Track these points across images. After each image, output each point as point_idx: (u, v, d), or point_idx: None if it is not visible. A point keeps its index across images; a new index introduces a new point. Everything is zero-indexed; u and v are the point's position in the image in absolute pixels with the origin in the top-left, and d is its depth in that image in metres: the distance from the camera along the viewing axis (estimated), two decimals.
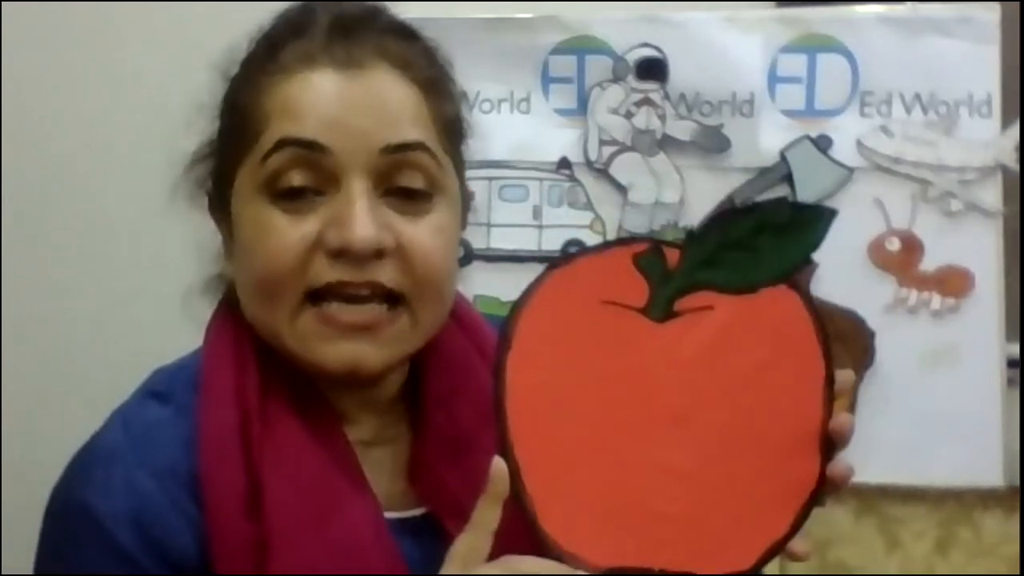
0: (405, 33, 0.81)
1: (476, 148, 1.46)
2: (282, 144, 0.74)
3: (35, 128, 1.50)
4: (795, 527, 0.71)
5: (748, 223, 0.71)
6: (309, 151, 0.74)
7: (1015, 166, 1.42)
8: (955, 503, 1.42)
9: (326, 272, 0.74)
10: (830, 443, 0.72)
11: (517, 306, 0.71)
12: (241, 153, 0.77)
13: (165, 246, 1.49)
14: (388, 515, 0.77)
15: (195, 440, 0.74)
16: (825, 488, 0.72)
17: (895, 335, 1.43)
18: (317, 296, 0.75)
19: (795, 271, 0.72)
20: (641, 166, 1.46)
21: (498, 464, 0.67)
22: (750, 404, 0.71)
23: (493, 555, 0.68)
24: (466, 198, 0.85)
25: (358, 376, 0.76)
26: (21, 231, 1.50)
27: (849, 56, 1.44)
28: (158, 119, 1.53)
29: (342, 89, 0.75)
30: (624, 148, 1.46)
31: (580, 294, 0.71)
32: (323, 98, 0.74)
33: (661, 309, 0.71)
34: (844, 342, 1.42)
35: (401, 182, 0.76)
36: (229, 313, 0.81)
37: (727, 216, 0.73)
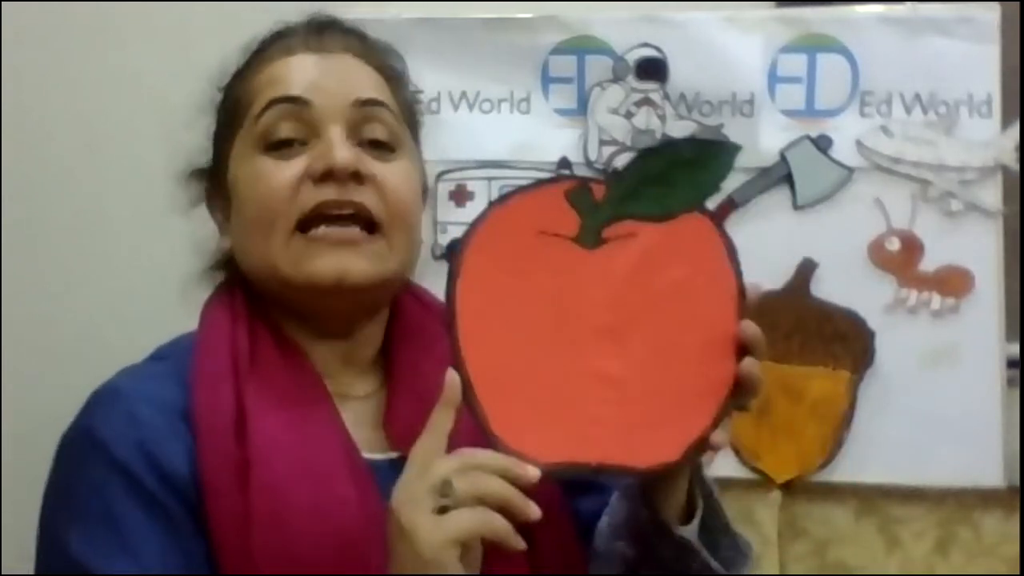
0: (363, 35, 0.96)
1: (476, 148, 1.46)
2: (272, 103, 0.88)
3: (35, 128, 1.50)
4: (716, 421, 0.79)
5: (662, 160, 0.82)
6: (294, 105, 0.88)
7: (1015, 166, 1.42)
8: (955, 503, 1.42)
9: (314, 195, 0.85)
10: (743, 348, 0.80)
11: (463, 238, 0.80)
12: (235, 127, 0.90)
13: (164, 245, 1.50)
14: (368, 456, 0.87)
15: (190, 379, 0.85)
16: (740, 387, 0.80)
17: (895, 335, 1.43)
18: (306, 225, 0.86)
19: (704, 200, 0.82)
20: None
21: (451, 375, 0.77)
22: (672, 316, 0.81)
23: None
24: (425, 184, 0.97)
25: (345, 284, 0.86)
26: (21, 231, 1.50)
27: (849, 56, 1.44)
28: (158, 119, 1.53)
29: (317, 63, 0.90)
30: (624, 148, 1.46)
31: (519, 227, 0.81)
32: (303, 68, 0.90)
33: (591, 237, 0.81)
34: (844, 342, 1.42)
35: (370, 134, 0.89)
36: (224, 288, 0.93)
37: (644, 154, 0.84)
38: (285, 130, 0.87)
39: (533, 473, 0.74)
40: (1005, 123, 1.43)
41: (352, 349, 0.92)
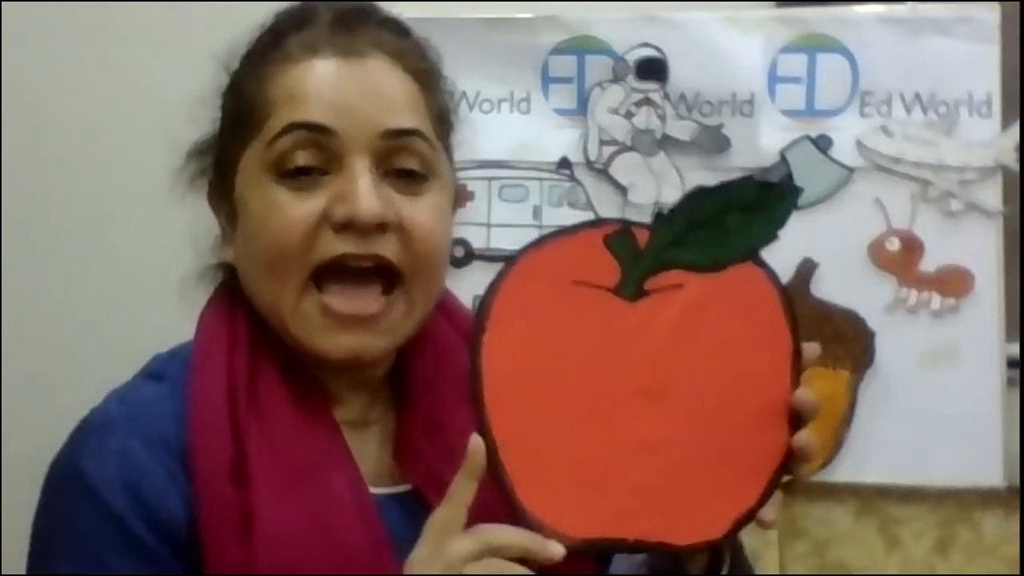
0: (399, 28, 0.86)
1: (476, 148, 1.46)
2: (290, 128, 0.78)
3: (35, 128, 1.50)
4: (764, 497, 0.73)
5: (715, 202, 0.74)
6: (315, 133, 0.78)
7: (1015, 166, 1.42)
8: (955, 503, 1.42)
9: (332, 246, 0.77)
10: (796, 415, 0.74)
11: (491, 288, 0.73)
12: (246, 138, 0.81)
13: (164, 244, 1.50)
14: (376, 490, 0.81)
15: (187, 413, 0.78)
16: (793, 459, 0.74)
17: (895, 335, 1.42)
18: (320, 276, 0.78)
19: (761, 248, 0.75)
20: (641, 166, 1.46)
21: (475, 441, 0.70)
22: (719, 379, 0.74)
23: (470, 528, 0.71)
24: (456, 188, 0.89)
25: (358, 365, 0.81)
26: (21, 230, 1.50)
27: (849, 56, 1.44)
28: (158, 119, 1.53)
29: (344, 76, 0.79)
30: (624, 148, 1.46)
31: (553, 275, 0.74)
32: (327, 84, 0.79)
33: (632, 288, 0.74)
34: (844, 342, 1.42)
35: (399, 164, 0.80)
36: (224, 297, 0.85)
37: (695, 196, 0.75)
38: (303, 158, 0.78)
39: (557, 552, 0.69)
40: (1005, 123, 1.42)
41: (363, 375, 0.85)
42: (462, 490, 0.70)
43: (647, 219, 1.45)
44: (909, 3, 1.44)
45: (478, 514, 0.71)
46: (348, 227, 0.77)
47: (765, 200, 0.75)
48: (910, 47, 1.43)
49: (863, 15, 1.44)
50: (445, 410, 0.83)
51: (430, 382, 0.86)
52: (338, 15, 0.82)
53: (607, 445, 0.73)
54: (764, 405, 0.74)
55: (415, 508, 0.79)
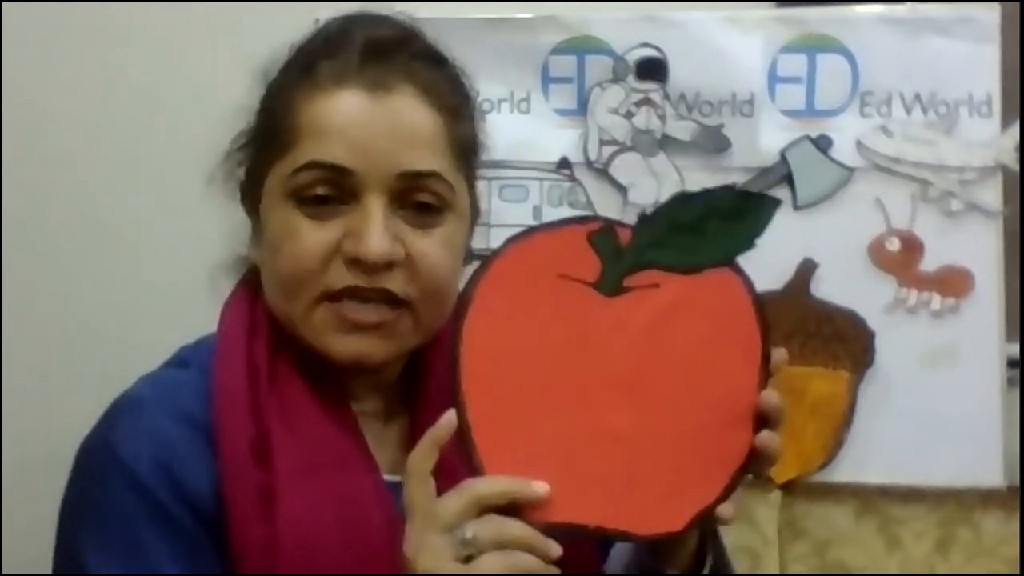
0: (434, 59, 0.89)
1: None
2: (312, 164, 0.83)
3: (35, 128, 1.50)
4: (725, 493, 0.76)
5: (697, 208, 0.77)
6: (335, 172, 0.82)
7: (1015, 166, 1.42)
8: (955, 503, 1.42)
9: (342, 278, 0.82)
10: (762, 417, 0.77)
11: (476, 275, 0.77)
12: (272, 159, 0.86)
13: (163, 244, 1.50)
14: (389, 478, 0.85)
15: (211, 395, 0.83)
16: (755, 459, 0.77)
17: (895, 335, 1.42)
18: (332, 296, 0.83)
19: (738, 255, 0.78)
20: (641, 166, 1.46)
21: (449, 415, 0.74)
22: (690, 377, 0.77)
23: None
24: (476, 211, 0.95)
25: (364, 367, 0.85)
26: (21, 231, 1.50)
27: (849, 56, 1.44)
28: (158, 119, 1.53)
29: (367, 112, 0.83)
30: (624, 148, 1.46)
31: (536, 267, 0.77)
32: (350, 121, 0.83)
33: (611, 285, 0.77)
34: (844, 342, 1.42)
35: (415, 199, 0.84)
36: (247, 288, 0.90)
37: (677, 200, 0.78)
38: (322, 191, 0.83)
39: (542, 489, 0.73)
40: (1005, 123, 1.42)
41: (378, 376, 0.90)
42: (421, 461, 0.74)
43: None
44: (909, 3, 1.44)
45: (445, 478, 0.74)
46: (357, 264, 0.82)
47: (745, 209, 0.77)
48: (910, 47, 1.43)
49: (863, 15, 1.44)
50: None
51: (442, 380, 0.87)
52: (371, 43, 0.85)
53: (577, 433, 0.75)
54: (731, 405, 0.77)
55: None
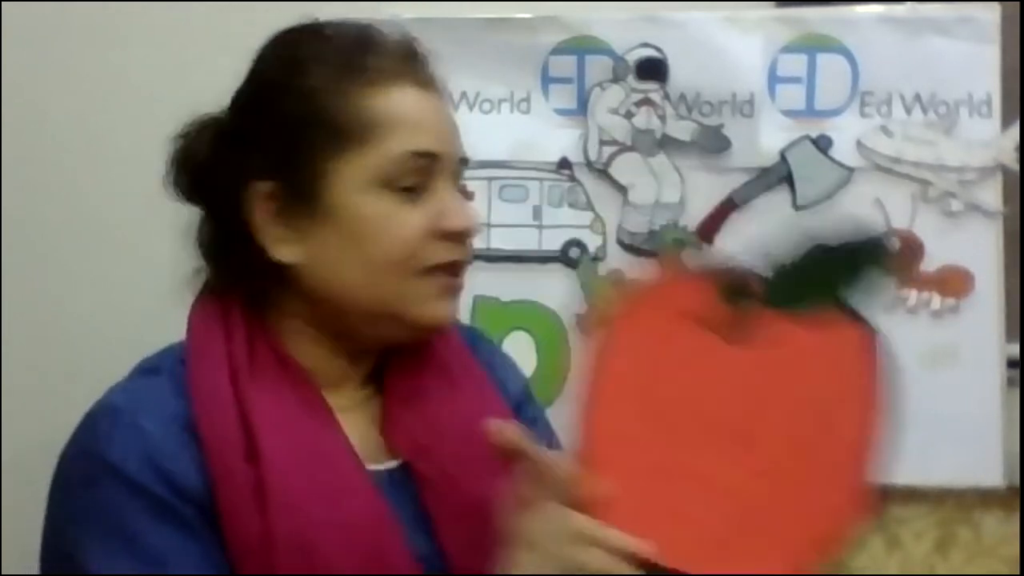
0: (429, 57, 0.94)
1: (476, 148, 1.46)
2: (409, 154, 0.87)
3: (35, 128, 1.50)
4: (825, 554, 0.75)
5: (823, 258, 0.78)
6: (427, 159, 0.88)
7: (1015, 166, 1.42)
8: (955, 503, 1.42)
9: (446, 252, 0.89)
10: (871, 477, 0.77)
11: (611, 318, 0.80)
12: (340, 150, 0.87)
13: (163, 244, 1.49)
14: (371, 467, 0.88)
15: (189, 393, 0.84)
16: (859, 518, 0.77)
17: (895, 335, 1.42)
18: (431, 270, 0.89)
19: (861, 304, 0.78)
20: (641, 166, 1.46)
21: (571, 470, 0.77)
22: (806, 433, 0.76)
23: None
24: None
25: (444, 327, 0.93)
26: (20, 230, 1.50)
27: (849, 56, 1.44)
28: (158, 119, 1.53)
29: (432, 105, 0.91)
30: (624, 148, 1.46)
31: (667, 312, 0.78)
32: (428, 112, 0.90)
33: (737, 332, 0.77)
34: None
35: (458, 186, 0.93)
36: (212, 296, 0.92)
37: (808, 252, 0.79)
38: (412, 179, 0.88)
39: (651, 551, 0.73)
40: (1005, 123, 1.42)
41: (357, 365, 0.93)
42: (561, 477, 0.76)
43: (646, 218, 1.45)
44: (909, 3, 1.44)
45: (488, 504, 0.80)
46: (454, 237, 0.89)
47: (867, 258, 0.79)
48: (910, 47, 1.43)
49: (863, 15, 1.44)
50: (423, 386, 0.93)
51: (411, 369, 0.94)
52: (399, 45, 0.91)
53: (686, 473, 0.75)
54: (841, 464, 0.77)
55: (402, 481, 0.89)
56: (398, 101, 0.88)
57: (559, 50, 1.46)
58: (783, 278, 0.78)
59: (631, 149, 1.46)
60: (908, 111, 1.43)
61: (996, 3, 1.42)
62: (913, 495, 1.42)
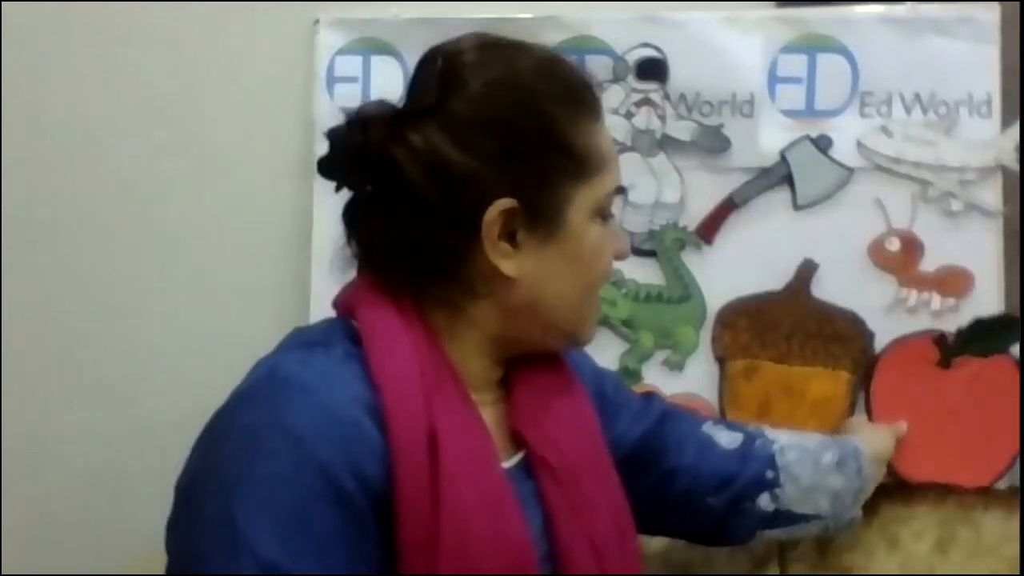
0: None
1: None
2: (615, 188, 0.98)
3: (35, 128, 1.51)
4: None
5: (983, 325, 1.39)
6: (620, 193, 1.08)
7: (1015, 166, 1.42)
8: (955, 503, 1.42)
9: (612, 272, 1.00)
10: None
11: (877, 355, 1.42)
12: (579, 178, 0.94)
13: (163, 244, 1.50)
14: (505, 465, 0.93)
15: (379, 381, 0.85)
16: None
17: (895, 335, 1.43)
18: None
19: (1003, 352, 1.39)
20: (641, 166, 1.46)
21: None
22: (989, 399, 1.38)
23: None
24: None
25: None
26: (20, 230, 1.50)
27: (849, 56, 1.44)
28: (158, 119, 1.53)
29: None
30: (624, 148, 1.46)
31: (909, 354, 1.40)
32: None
33: (945, 362, 1.39)
34: (844, 342, 1.42)
35: None
36: (387, 293, 0.92)
37: (975, 322, 1.40)
38: (610, 209, 0.98)
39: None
40: (1005, 123, 1.42)
41: (499, 368, 0.99)
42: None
43: (646, 218, 1.48)
44: (909, 3, 1.44)
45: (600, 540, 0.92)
46: (620, 258, 1.01)
47: (1005, 328, 1.39)
48: (910, 47, 1.43)
49: (863, 15, 1.44)
50: (549, 392, 1.00)
51: (535, 369, 1.00)
52: (595, 82, 1.01)
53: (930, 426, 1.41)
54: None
55: (526, 476, 0.94)
56: (608, 138, 0.98)
57: (559, 50, 1.45)
58: (969, 336, 1.38)
59: (631, 149, 1.46)
60: (908, 111, 1.43)
61: (996, 3, 1.42)
62: (913, 495, 1.42)
